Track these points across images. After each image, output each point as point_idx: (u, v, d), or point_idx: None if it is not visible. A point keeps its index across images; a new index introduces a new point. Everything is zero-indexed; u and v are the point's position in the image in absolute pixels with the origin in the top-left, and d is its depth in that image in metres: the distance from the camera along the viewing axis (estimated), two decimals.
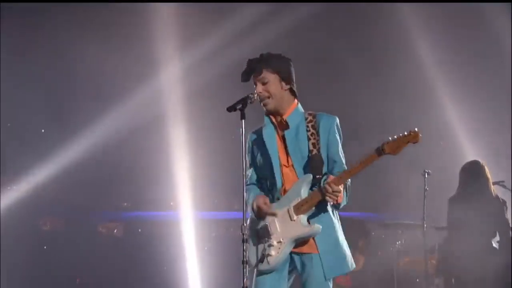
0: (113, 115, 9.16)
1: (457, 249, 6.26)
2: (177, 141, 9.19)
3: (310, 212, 3.67)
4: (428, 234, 6.85)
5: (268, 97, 3.76)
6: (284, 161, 3.76)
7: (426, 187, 6.77)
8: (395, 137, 3.57)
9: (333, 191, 3.56)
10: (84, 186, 9.02)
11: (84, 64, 8.99)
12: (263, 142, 3.82)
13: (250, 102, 3.70)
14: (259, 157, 3.86)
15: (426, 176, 6.77)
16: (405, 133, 3.58)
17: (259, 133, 3.88)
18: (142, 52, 9.05)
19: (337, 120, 3.81)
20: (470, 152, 8.66)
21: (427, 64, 9.07)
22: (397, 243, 7.42)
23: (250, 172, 3.92)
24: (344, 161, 3.76)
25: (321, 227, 3.67)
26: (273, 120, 3.84)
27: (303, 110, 3.84)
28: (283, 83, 3.79)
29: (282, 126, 3.81)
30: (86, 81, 9.07)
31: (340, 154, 3.77)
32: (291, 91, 3.83)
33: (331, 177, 3.61)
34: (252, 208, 3.75)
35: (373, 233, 8.29)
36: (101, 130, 9.14)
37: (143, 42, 9.03)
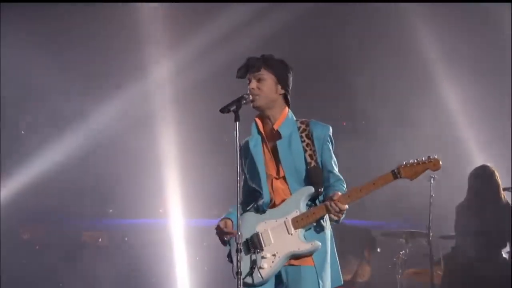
0: (97, 116, 9.15)
1: (465, 260, 6.27)
2: (167, 143, 9.18)
3: (309, 227, 3.69)
4: (434, 243, 6.86)
5: (259, 95, 3.78)
6: (274, 173, 3.78)
7: (431, 193, 6.77)
8: (412, 161, 3.60)
9: (340, 210, 3.59)
10: (66, 191, 8.99)
11: (68, 63, 8.99)
12: (250, 153, 3.84)
13: (245, 103, 3.70)
14: (249, 168, 3.86)
15: (432, 181, 6.77)
16: (424, 159, 3.60)
17: (247, 142, 3.89)
18: (129, 51, 9.05)
19: (331, 129, 3.84)
20: (478, 156, 8.68)
21: (431, 64, 9.11)
22: (401, 252, 7.42)
23: (241, 186, 3.91)
24: (337, 170, 3.80)
25: (320, 244, 3.68)
26: (261, 129, 3.86)
27: (295, 118, 3.86)
28: (279, 87, 3.81)
29: (273, 135, 3.82)
30: (70, 80, 9.06)
31: (334, 164, 3.80)
32: (285, 98, 3.85)
33: (338, 194, 3.62)
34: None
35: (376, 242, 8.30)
36: (84, 132, 9.12)
37: (130, 40, 9.03)
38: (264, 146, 3.83)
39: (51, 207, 9.04)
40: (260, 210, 3.79)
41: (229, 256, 3.84)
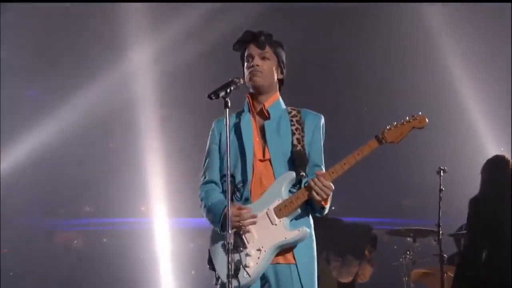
0: (72, 105, 9.13)
1: (479, 259, 6.28)
2: (149, 134, 9.16)
3: (294, 215, 3.68)
4: (445, 241, 6.88)
5: (262, 73, 3.81)
6: (259, 155, 3.78)
7: (441, 187, 6.79)
8: (396, 123, 3.64)
9: (323, 186, 3.58)
10: (37, 187, 8.96)
11: (37, 46, 8.97)
12: (237, 130, 3.84)
13: (235, 88, 3.68)
14: (231, 148, 3.74)
15: (442, 174, 6.79)
16: (408, 118, 3.64)
17: (230, 121, 3.83)
18: (106, 33, 9.03)
19: (323, 119, 3.87)
20: (492, 145, 8.71)
21: (442, 49, 9.20)
22: (408, 252, 7.44)
23: (209, 166, 3.91)
24: (324, 164, 3.81)
25: (309, 231, 3.69)
26: (251, 106, 3.89)
27: (285, 106, 3.92)
28: (279, 71, 3.90)
29: (262, 115, 3.85)
30: (41, 67, 9.03)
31: (322, 157, 3.83)
32: (280, 84, 3.93)
33: (321, 171, 3.63)
34: (220, 221, 3.68)
35: (378, 241, 8.33)
36: (57, 122, 9.09)
37: (108, 21, 9.01)
38: (254, 125, 3.85)
39: (20, 206, 9.00)
40: (240, 199, 3.76)
41: (210, 263, 3.80)
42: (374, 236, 8.11)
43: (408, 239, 7.55)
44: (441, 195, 6.78)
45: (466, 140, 8.83)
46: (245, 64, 3.86)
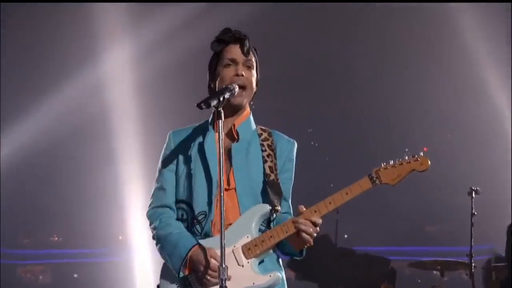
0: (40, 116, 9.12)
1: None
2: (126, 151, 9.15)
3: (264, 256, 3.64)
4: (478, 275, 6.86)
5: (246, 88, 3.70)
6: (223, 183, 3.65)
7: (473, 211, 6.77)
8: (393, 162, 3.58)
9: (315, 226, 3.53)
10: None
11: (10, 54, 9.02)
12: (200, 152, 3.78)
13: (229, 96, 3.63)
14: (186, 171, 3.80)
15: (474, 195, 6.78)
16: (406, 157, 3.58)
17: (188, 135, 3.84)
18: (78, 37, 9.07)
19: (296, 145, 3.83)
20: None
21: (478, 58, 9.31)
22: None
23: (162, 187, 3.82)
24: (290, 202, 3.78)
25: (281, 276, 3.65)
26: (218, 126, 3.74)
27: (255, 126, 3.83)
28: (256, 82, 3.79)
29: (230, 136, 3.77)
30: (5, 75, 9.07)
31: (290, 193, 3.79)
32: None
33: (302, 207, 3.56)
34: (185, 264, 3.56)
35: (398, 274, 8.32)
36: (21, 136, 9.08)
37: (79, 25, 9.05)
38: (217, 147, 3.76)
39: None
40: (200, 234, 3.72)
41: None
42: (392, 271, 8.09)
43: (435, 272, 7.52)
44: (473, 220, 6.75)
45: (503, 157, 8.82)
46: (223, 67, 3.72)
